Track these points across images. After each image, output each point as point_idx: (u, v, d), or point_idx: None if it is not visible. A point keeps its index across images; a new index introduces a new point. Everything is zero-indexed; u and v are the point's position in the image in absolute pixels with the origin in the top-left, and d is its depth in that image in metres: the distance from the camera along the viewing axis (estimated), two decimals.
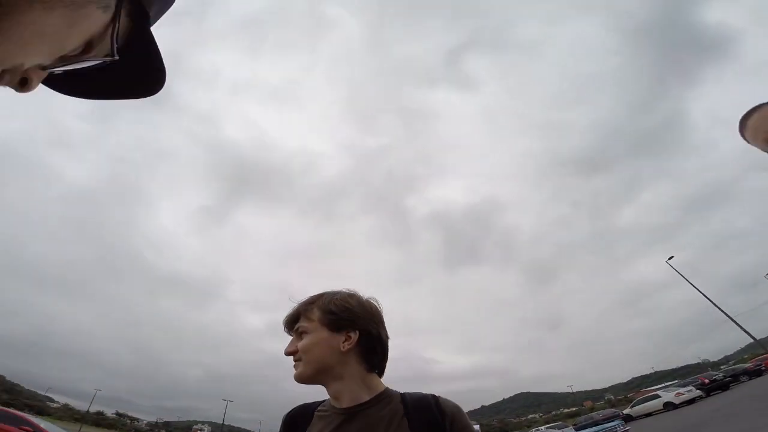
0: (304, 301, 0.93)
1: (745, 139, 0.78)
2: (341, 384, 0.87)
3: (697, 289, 36.76)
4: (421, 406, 0.85)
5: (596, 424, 19.33)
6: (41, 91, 0.40)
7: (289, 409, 0.95)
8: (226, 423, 55.99)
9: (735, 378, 22.86)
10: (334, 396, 0.88)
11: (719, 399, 17.95)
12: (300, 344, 0.88)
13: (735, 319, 37.41)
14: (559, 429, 25.09)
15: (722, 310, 36.92)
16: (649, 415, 22.07)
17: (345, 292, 0.93)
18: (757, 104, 0.76)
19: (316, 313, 0.89)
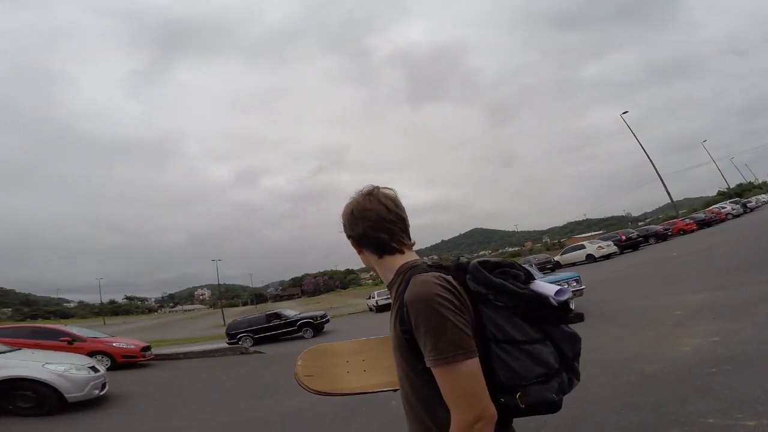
0: None
1: None
2: (377, 272, 1.07)
3: (640, 143, 40.54)
4: (402, 290, 0.91)
5: (536, 268, 19.67)
6: None
7: None
8: (221, 282, 60.99)
9: (645, 239, 25.82)
10: None
11: (628, 258, 21.06)
12: None
13: (663, 176, 42.65)
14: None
15: (654, 166, 41.69)
16: (573, 264, 23.83)
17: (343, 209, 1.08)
18: None
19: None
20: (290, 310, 19.08)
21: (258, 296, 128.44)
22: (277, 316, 16.81)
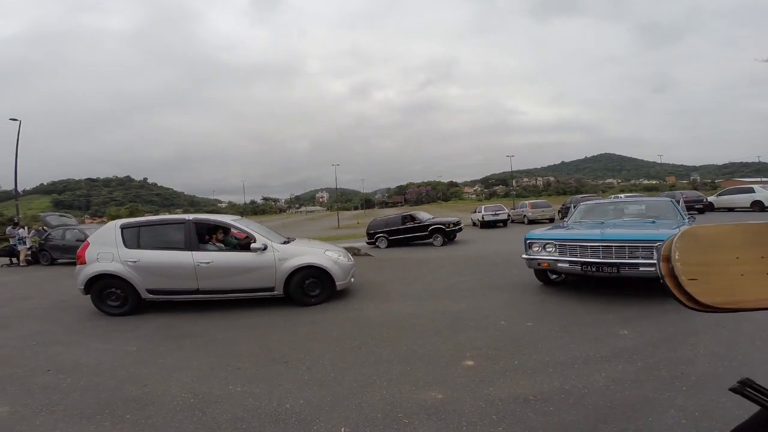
0: None
1: None
2: None
3: None
4: None
5: (683, 206, 16.29)
6: None
7: None
8: (337, 186, 66.16)
9: None
10: None
11: None
12: None
13: None
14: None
15: None
16: (731, 210, 20.32)
17: None
18: None
19: None
20: (424, 213, 17.57)
21: (367, 201, 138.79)
22: (412, 218, 16.05)
